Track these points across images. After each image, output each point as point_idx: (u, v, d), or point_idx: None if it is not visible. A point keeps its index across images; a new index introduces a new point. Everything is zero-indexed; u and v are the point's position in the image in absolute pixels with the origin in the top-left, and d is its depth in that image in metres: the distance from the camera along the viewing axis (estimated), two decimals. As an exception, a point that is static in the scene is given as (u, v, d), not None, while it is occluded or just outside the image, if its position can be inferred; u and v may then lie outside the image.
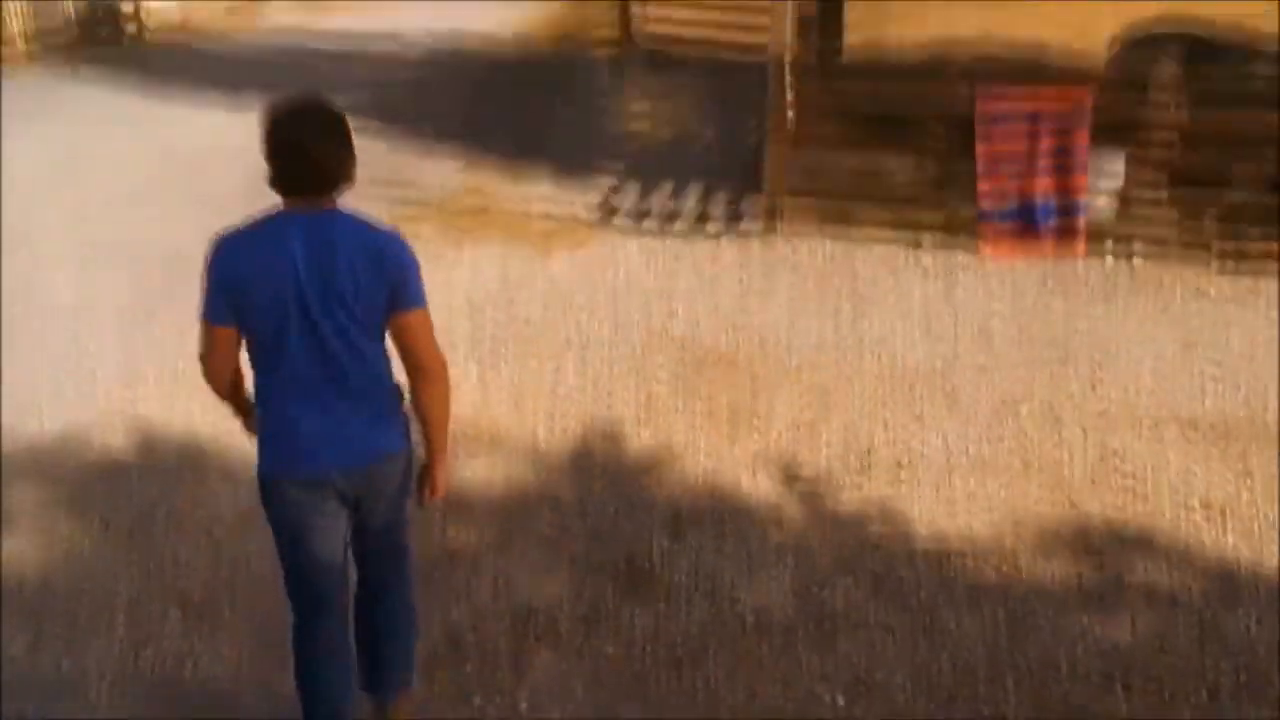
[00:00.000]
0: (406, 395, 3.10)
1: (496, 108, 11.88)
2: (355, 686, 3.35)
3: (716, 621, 4.11)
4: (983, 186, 7.66)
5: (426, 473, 3.19)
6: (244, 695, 3.75)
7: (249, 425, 3.23)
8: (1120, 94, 7.63)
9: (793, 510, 4.83)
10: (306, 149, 2.85)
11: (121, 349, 6.24)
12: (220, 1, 17.34)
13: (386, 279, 2.91)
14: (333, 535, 3.13)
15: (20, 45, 14.51)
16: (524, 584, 4.30)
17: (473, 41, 15.39)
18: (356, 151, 2.94)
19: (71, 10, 15.65)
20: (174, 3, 17.16)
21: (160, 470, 5.06)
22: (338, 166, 2.90)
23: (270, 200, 2.92)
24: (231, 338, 2.94)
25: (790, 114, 7.99)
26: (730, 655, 3.94)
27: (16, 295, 6.97)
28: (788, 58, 7.84)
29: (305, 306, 2.87)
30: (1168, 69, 7.46)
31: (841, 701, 3.74)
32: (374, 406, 3.06)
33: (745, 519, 4.75)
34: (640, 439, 5.40)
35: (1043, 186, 7.59)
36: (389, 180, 8.78)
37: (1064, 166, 7.56)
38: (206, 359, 3.00)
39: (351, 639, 3.32)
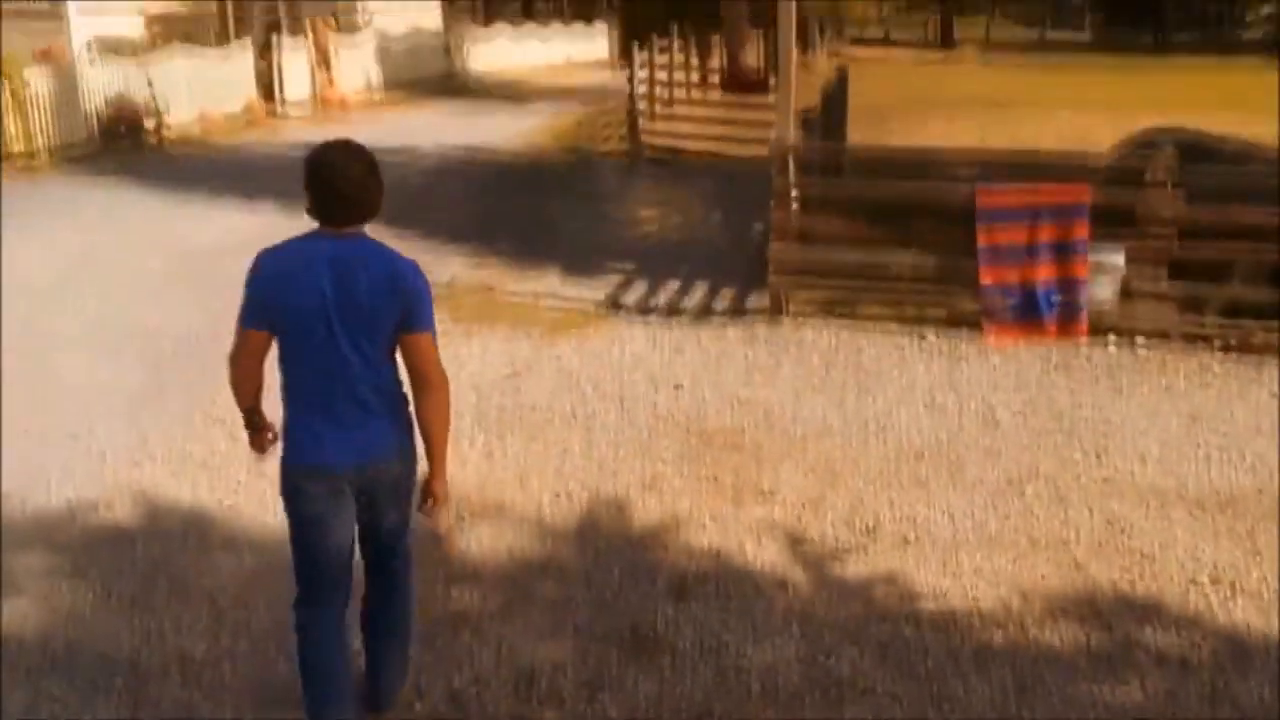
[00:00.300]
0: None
1: (505, 208, 12.14)
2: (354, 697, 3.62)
3: (722, 688, 4.05)
4: (984, 275, 7.76)
5: (428, 486, 3.46)
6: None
7: (256, 443, 3.61)
8: (1118, 188, 7.78)
9: (798, 578, 4.80)
10: (342, 183, 3.25)
11: (131, 430, 6.27)
12: (238, 113, 17.86)
13: (401, 302, 3.29)
14: (342, 526, 3.46)
15: (44, 156, 14.89)
16: (527, 648, 4.26)
17: (484, 153, 15.76)
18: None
19: (95, 122, 16.13)
20: (193, 115, 17.69)
21: (164, 539, 5.05)
22: (367, 200, 3.30)
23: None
24: (263, 341, 3.33)
25: (794, 205, 8.14)
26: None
27: (31, 376, 7.05)
28: (791, 152, 8.02)
29: (329, 319, 3.24)
30: (1163, 163, 7.61)
31: (848, 763, 3.67)
32: (383, 412, 3.39)
33: (750, 586, 4.71)
34: (645, 509, 5.39)
35: (1044, 274, 7.68)
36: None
37: (1064, 256, 7.66)
38: (237, 361, 3.37)
39: (349, 635, 3.62)
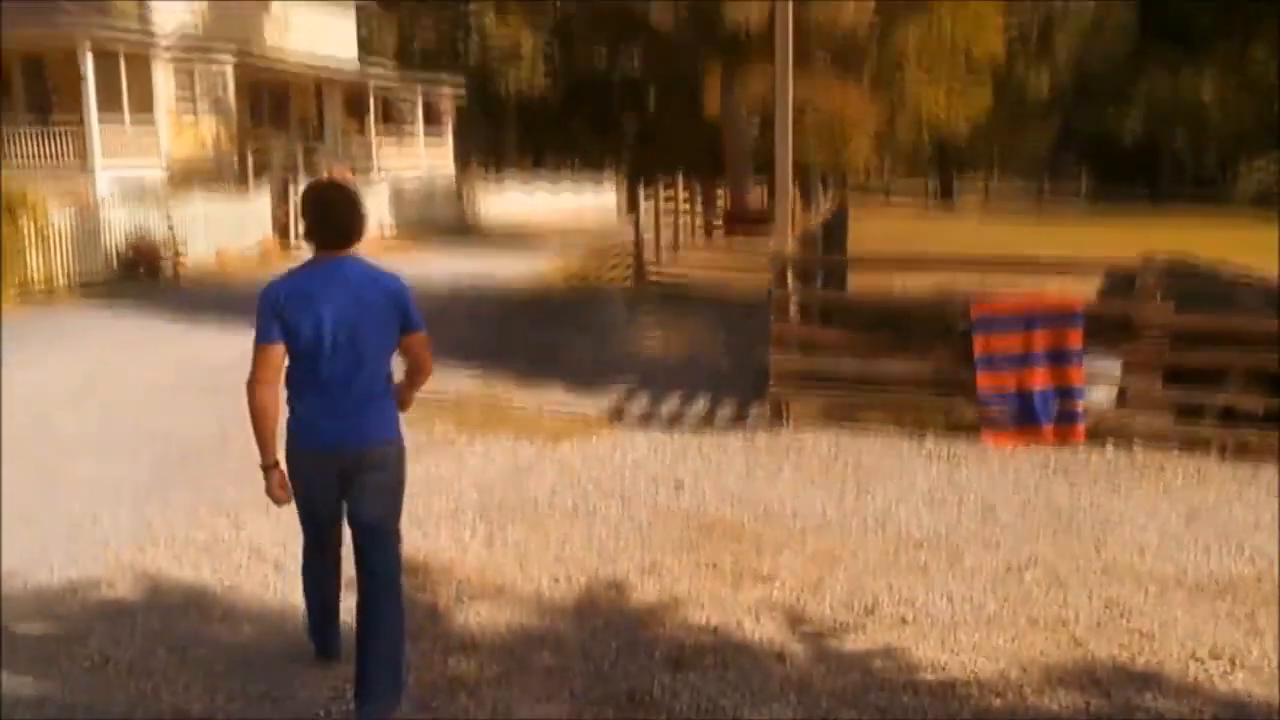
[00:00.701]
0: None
1: (511, 332, 12.37)
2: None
3: (716, 743, 4.03)
4: (981, 382, 7.88)
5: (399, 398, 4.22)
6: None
7: (267, 460, 4.00)
8: (1109, 298, 7.97)
9: (796, 651, 4.78)
10: (333, 214, 3.94)
11: (136, 520, 6.33)
12: (253, 251, 18.34)
13: (396, 309, 3.98)
14: (332, 498, 4.09)
15: (63, 288, 15.27)
16: (524, 710, 4.24)
17: (492, 285, 16.10)
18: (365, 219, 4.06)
19: (114, 258, 16.57)
20: (210, 252, 18.17)
21: (164, 613, 5.06)
22: (353, 227, 3.97)
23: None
24: (280, 353, 3.88)
25: (794, 315, 8.33)
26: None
27: (39, 472, 7.13)
28: (789, 262, 8.25)
29: (332, 329, 3.86)
30: (1153, 273, 7.82)
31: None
32: (374, 405, 4.02)
33: (747, 658, 4.70)
34: (643, 591, 5.40)
35: (1040, 381, 7.80)
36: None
37: (1060, 363, 7.79)
38: (257, 379, 3.89)
39: (338, 577, 4.37)
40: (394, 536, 4.12)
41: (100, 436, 8.07)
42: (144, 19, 24.35)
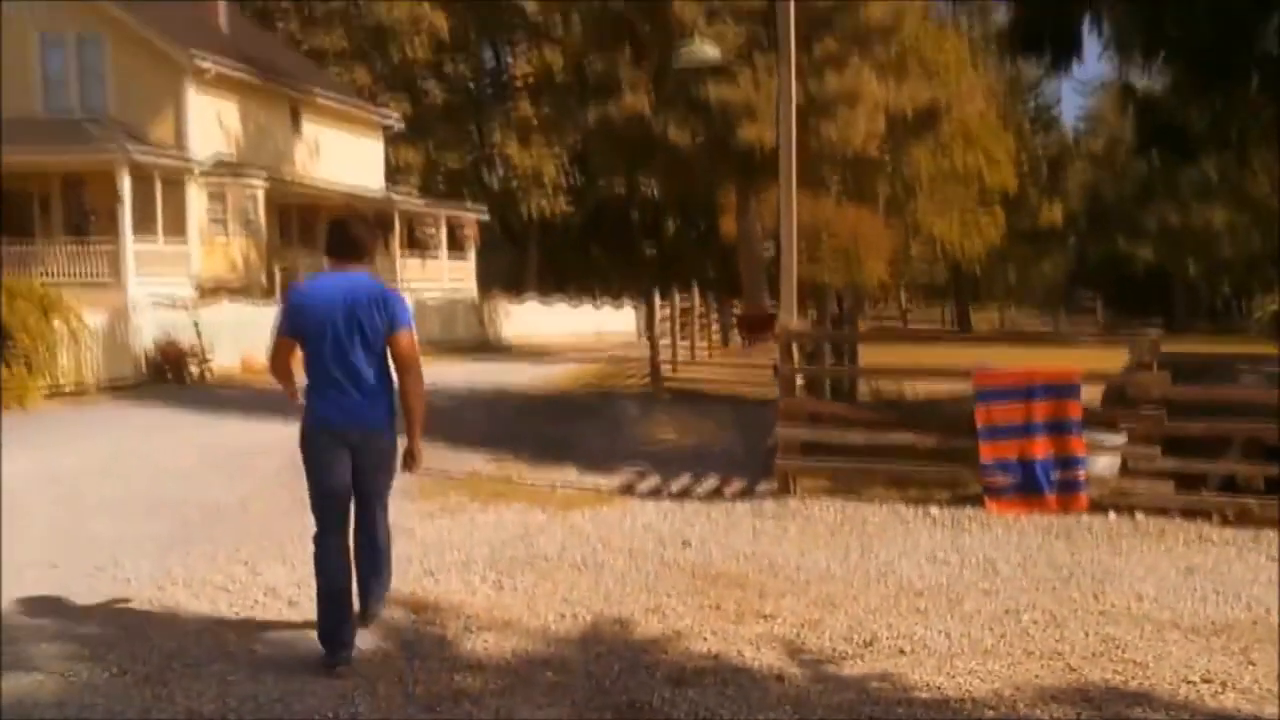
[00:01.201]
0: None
1: (526, 425, 12.60)
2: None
3: (712, 743, 4.13)
4: (984, 452, 8.04)
5: (408, 451, 5.00)
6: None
7: (290, 392, 5.10)
8: (1106, 371, 8.18)
9: (794, 674, 4.89)
10: (352, 234, 5.01)
11: (156, 565, 6.48)
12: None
13: (386, 313, 4.82)
14: (342, 473, 4.88)
15: (93, 388, 15.66)
16: (525, 713, 4.35)
17: (510, 390, 16.40)
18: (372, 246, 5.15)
19: (143, 360, 17.00)
20: (236, 360, 18.60)
21: (180, 637, 5.21)
22: (363, 248, 5.02)
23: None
24: (291, 346, 4.93)
25: (799, 390, 8.56)
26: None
27: (67, 530, 7.34)
28: (795, 337, 8.52)
29: (338, 328, 4.76)
30: (1145, 344, 8.04)
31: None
32: (375, 396, 4.88)
33: (747, 679, 4.80)
34: (647, 625, 5.52)
35: (1041, 451, 7.96)
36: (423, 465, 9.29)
37: (1060, 433, 7.96)
38: (274, 358, 5.02)
39: (350, 555, 4.98)
40: (385, 499, 5.16)
41: (125, 502, 8.28)
42: (181, 144, 25.34)
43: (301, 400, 4.91)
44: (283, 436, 10.96)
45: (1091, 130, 54.83)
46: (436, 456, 10.14)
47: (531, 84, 38.70)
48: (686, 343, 20.26)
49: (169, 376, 16.74)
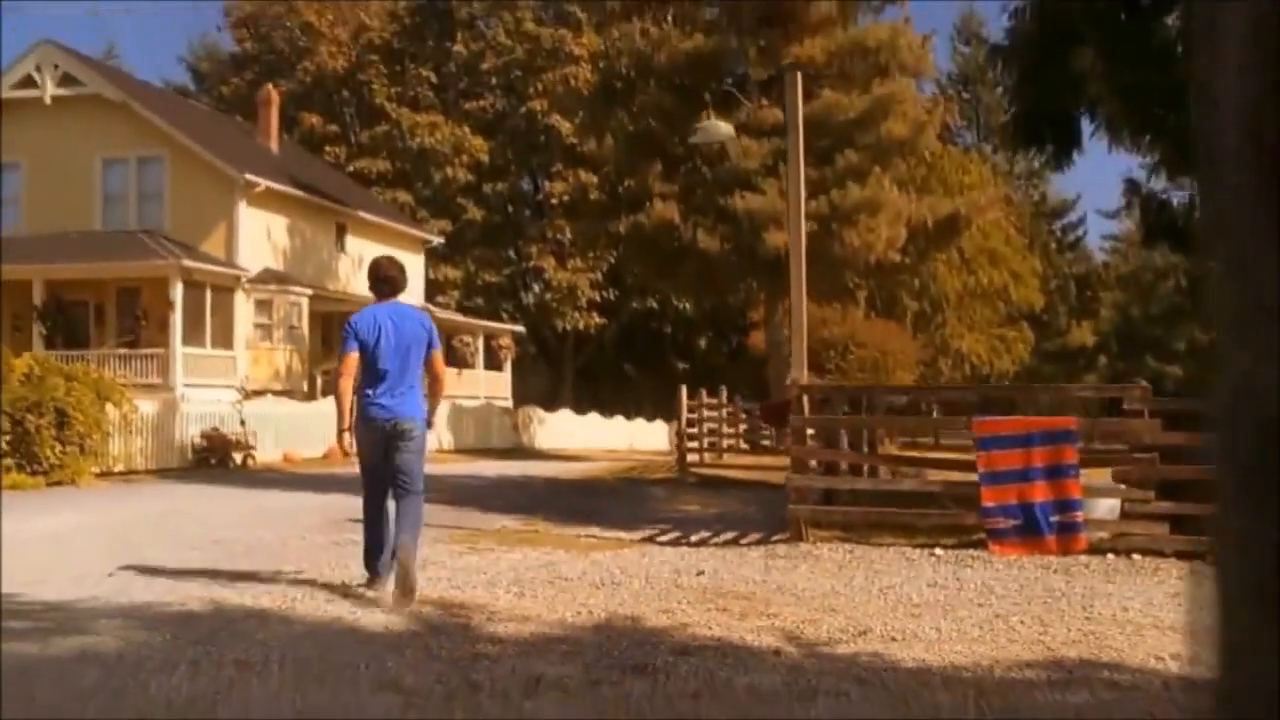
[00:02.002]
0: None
1: (554, 499, 13.05)
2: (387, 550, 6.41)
3: (707, 690, 4.52)
4: (985, 496, 8.43)
5: (428, 422, 6.59)
6: None
7: (341, 430, 6.42)
8: (1100, 417, 8.60)
9: (790, 650, 5.28)
10: (386, 275, 6.60)
11: (206, 578, 6.95)
12: (318, 458, 19.41)
13: (425, 334, 6.47)
14: (380, 455, 6.39)
15: (141, 467, 16.31)
16: (539, 668, 4.77)
17: (540, 478, 16.88)
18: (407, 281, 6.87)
19: (190, 447, 17.68)
20: (278, 453, 19.25)
21: (226, 616, 5.68)
22: (399, 284, 6.66)
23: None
24: (354, 359, 6.31)
25: (810, 442, 9.02)
26: (723, 707, 4.34)
27: (121, 560, 7.85)
28: (805, 391, 9.02)
29: (387, 347, 6.30)
30: (1136, 393, 8.47)
31: None
32: (411, 397, 6.41)
33: (745, 652, 5.20)
34: (656, 620, 5.93)
35: (1040, 495, 8.34)
36: (454, 525, 9.83)
37: (1057, 476, 8.35)
38: (339, 374, 6.42)
39: (388, 520, 6.44)
40: (418, 478, 6.45)
41: (176, 540, 8.80)
42: (231, 256, 26.48)
43: (349, 444, 6.44)
44: (323, 502, 11.55)
45: (1117, 252, 55.56)
46: (467, 519, 10.69)
47: (566, 203, 40.03)
48: (715, 439, 20.71)
49: (214, 463, 17.37)
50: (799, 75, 9.53)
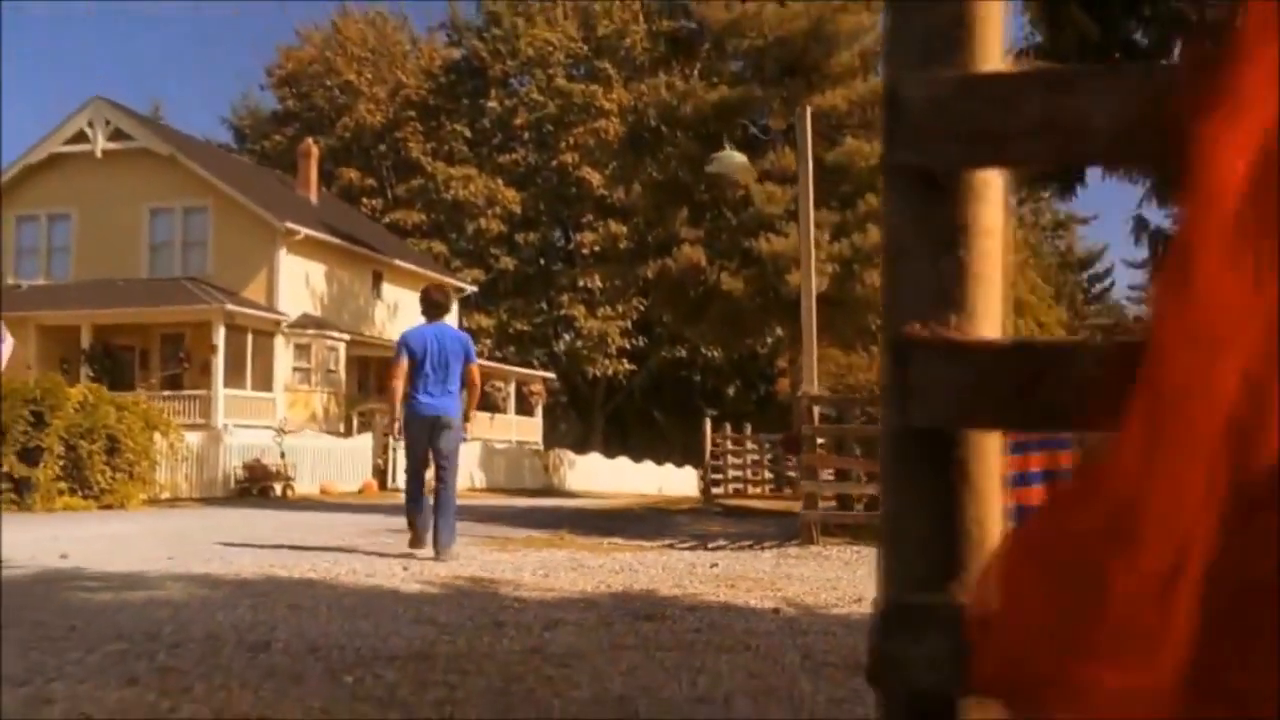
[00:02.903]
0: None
1: (583, 521, 13.58)
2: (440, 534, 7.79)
3: (708, 630, 5.04)
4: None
5: (465, 418, 8.25)
6: None
7: (393, 420, 8.40)
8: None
9: (789, 610, 5.79)
10: (434, 300, 8.29)
11: (258, 558, 7.55)
12: (354, 491, 20.07)
13: (463, 349, 8.12)
14: (424, 442, 8.00)
15: (185, 494, 17.00)
16: (557, 614, 5.31)
17: (567, 506, 17.42)
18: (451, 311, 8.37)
19: (232, 478, 18.37)
20: (315, 486, 19.91)
21: (278, 583, 6.26)
22: (445, 307, 8.43)
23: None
24: (404, 366, 7.92)
25: (819, 449, 9.53)
26: (722, 638, 4.86)
27: (175, 550, 8.45)
28: (814, 400, 9.55)
29: (433, 356, 7.89)
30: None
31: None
32: (450, 397, 7.97)
33: (748, 610, 5.73)
34: (668, 590, 6.46)
35: (1037, 497, 8.79)
36: (485, 535, 10.39)
37: (1053, 480, 8.81)
38: (393, 377, 8.05)
39: (427, 499, 8.01)
40: (455, 462, 8.11)
41: (224, 538, 9.40)
42: (271, 302, 27.37)
43: (398, 430, 8.27)
44: (360, 520, 12.12)
45: (1145, 303, 55.75)
46: (497, 531, 11.24)
47: (597, 253, 40.88)
48: (740, 476, 21.19)
49: (255, 492, 18.04)
50: (808, 109, 10.15)
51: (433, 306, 8.17)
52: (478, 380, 8.38)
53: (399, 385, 7.91)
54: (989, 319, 1.31)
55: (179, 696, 3.26)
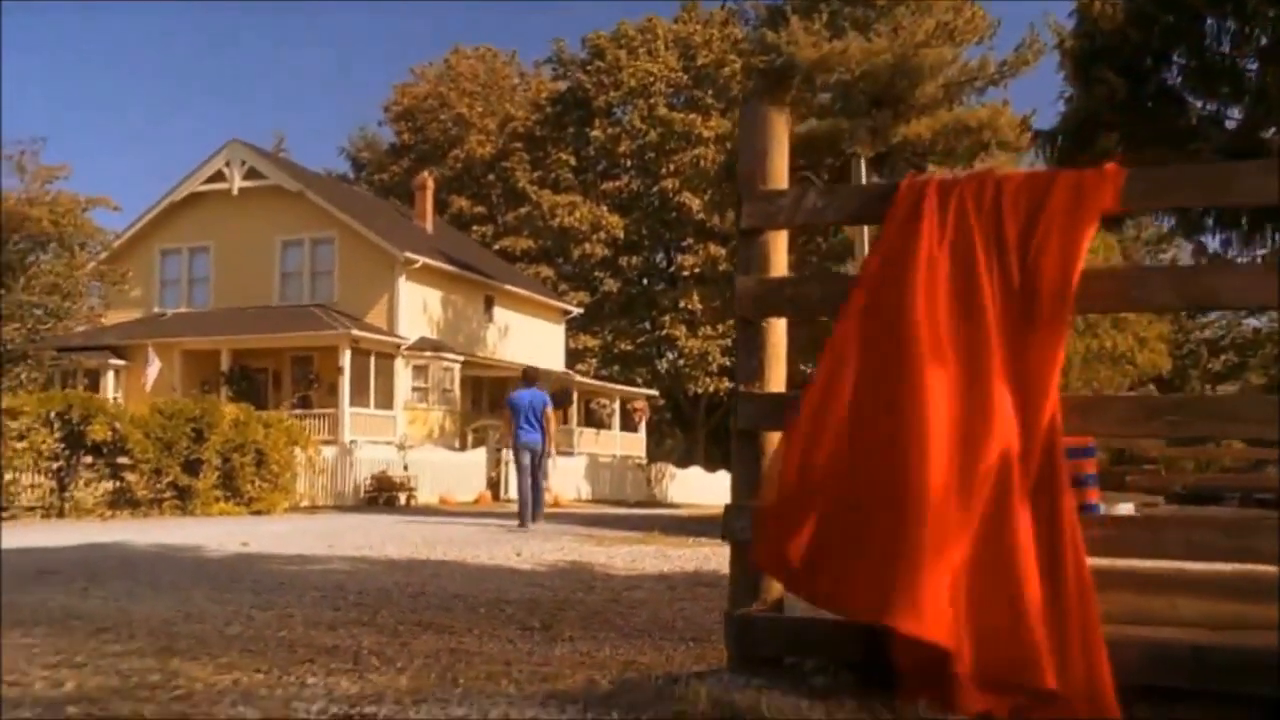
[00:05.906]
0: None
1: (676, 525, 15.07)
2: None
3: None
4: (1021, 503, 10.16)
5: (546, 451, 13.98)
6: None
7: (506, 446, 15.35)
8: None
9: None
10: (530, 375, 14.31)
11: (401, 549, 9.23)
12: (469, 501, 21.87)
13: (543, 404, 13.88)
14: (528, 458, 13.63)
15: (321, 502, 18.97)
16: (638, 582, 6.83)
17: (666, 514, 18.80)
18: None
19: (360, 488, 20.32)
20: (435, 496, 21.76)
21: (410, 563, 7.88)
22: (535, 378, 14.32)
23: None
24: (509, 417, 13.94)
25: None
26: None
27: (329, 543, 10.19)
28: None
29: (525, 409, 13.76)
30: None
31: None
32: (536, 433, 13.72)
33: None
34: (671, 564, 7.93)
35: (1067, 500, 10.03)
36: (584, 534, 11.94)
37: (1077, 485, 10.03)
38: (506, 420, 14.28)
39: (533, 493, 12.44)
40: (545, 470, 13.66)
41: (367, 537, 11.15)
42: (392, 326, 29.52)
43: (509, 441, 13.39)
44: (478, 524, 13.78)
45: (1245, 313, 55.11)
46: (594, 532, 12.81)
47: (697, 275, 42.48)
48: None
49: (381, 501, 19.95)
50: (863, 159, 11.53)
51: (527, 378, 14.13)
52: (551, 419, 13.80)
53: (508, 428, 13.89)
54: (775, 380, 2.82)
55: (372, 613, 4.88)
